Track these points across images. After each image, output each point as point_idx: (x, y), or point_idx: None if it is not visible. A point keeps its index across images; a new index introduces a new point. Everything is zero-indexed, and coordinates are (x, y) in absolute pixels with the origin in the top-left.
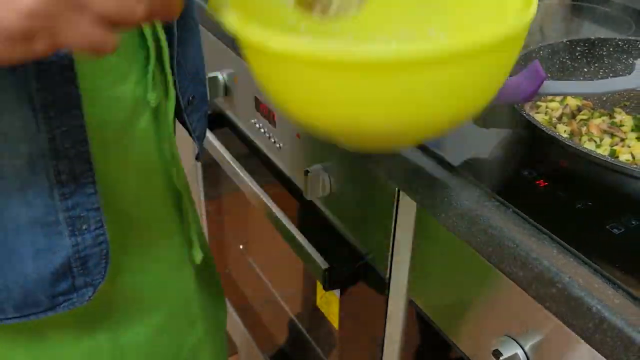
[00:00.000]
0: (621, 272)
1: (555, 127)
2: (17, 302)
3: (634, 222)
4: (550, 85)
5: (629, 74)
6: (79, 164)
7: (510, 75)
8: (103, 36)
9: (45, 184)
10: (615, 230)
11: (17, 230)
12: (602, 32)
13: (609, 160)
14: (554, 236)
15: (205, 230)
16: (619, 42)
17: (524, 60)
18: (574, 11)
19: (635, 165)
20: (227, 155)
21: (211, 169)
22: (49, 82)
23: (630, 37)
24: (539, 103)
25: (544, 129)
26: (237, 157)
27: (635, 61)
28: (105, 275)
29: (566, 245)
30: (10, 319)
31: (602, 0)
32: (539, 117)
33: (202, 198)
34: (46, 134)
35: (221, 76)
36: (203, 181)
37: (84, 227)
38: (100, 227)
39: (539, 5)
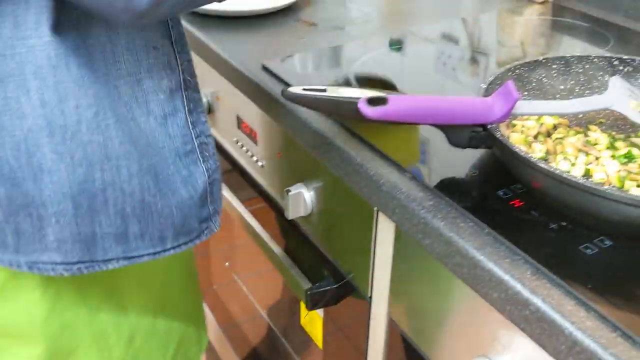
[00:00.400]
0: (594, 294)
1: (530, 146)
2: (177, 229)
3: (607, 243)
4: (523, 105)
5: (605, 90)
6: (195, 93)
7: (485, 96)
8: None
9: (182, 115)
10: (588, 251)
11: (166, 161)
12: (581, 47)
13: (579, 182)
14: (528, 257)
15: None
16: (594, 59)
17: (500, 79)
18: (554, 27)
19: (606, 187)
20: None
21: None
22: (174, 19)
23: (605, 54)
24: (515, 122)
25: (517, 150)
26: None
27: (609, 79)
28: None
29: (540, 266)
30: (168, 250)
31: (581, 15)
32: (515, 136)
33: None
34: (179, 67)
35: (204, 95)
36: None
37: (207, 154)
38: (214, 154)
39: (518, 20)
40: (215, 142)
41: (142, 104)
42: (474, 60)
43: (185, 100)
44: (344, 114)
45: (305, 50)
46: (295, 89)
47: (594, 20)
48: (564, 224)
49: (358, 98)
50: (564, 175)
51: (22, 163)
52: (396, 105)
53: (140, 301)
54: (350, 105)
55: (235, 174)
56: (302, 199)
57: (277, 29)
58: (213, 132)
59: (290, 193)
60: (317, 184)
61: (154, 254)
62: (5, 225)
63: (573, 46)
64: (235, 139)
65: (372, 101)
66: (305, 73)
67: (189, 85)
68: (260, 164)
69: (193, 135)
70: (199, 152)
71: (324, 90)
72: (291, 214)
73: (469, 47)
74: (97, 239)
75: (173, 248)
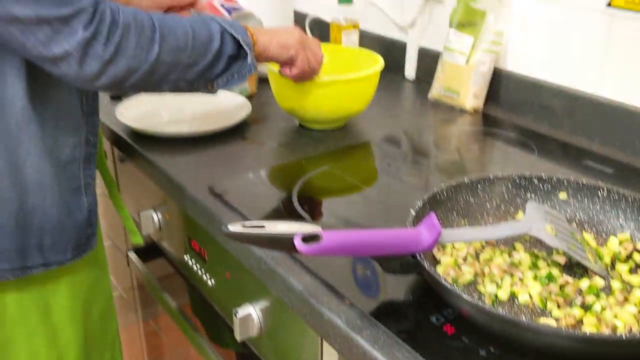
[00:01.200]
0: None
1: (460, 268)
2: (73, 243)
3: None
4: (447, 234)
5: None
6: (92, 148)
7: (413, 226)
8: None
9: (78, 164)
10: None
11: (66, 194)
12: (510, 155)
13: (499, 313)
14: None
15: (144, 351)
16: (515, 179)
17: (430, 203)
18: (485, 134)
19: (524, 318)
20: (159, 284)
21: (145, 292)
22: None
23: (525, 174)
24: (445, 246)
25: (442, 281)
26: (172, 288)
27: (527, 203)
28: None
29: None
30: (69, 259)
31: (509, 124)
32: (445, 259)
33: (140, 319)
34: (86, 127)
35: (155, 214)
36: (140, 303)
37: (89, 191)
38: (95, 191)
39: (450, 133)
40: (168, 256)
41: (55, 154)
42: (415, 162)
43: (82, 153)
44: (281, 248)
45: (251, 170)
46: (235, 227)
47: (520, 129)
48: (492, 350)
49: (294, 234)
50: (486, 307)
51: None
52: (329, 241)
53: (69, 328)
54: (287, 242)
55: (185, 287)
56: (251, 320)
57: (225, 149)
58: (164, 246)
59: (238, 314)
60: (266, 305)
61: (62, 261)
62: None
63: (503, 155)
64: (185, 256)
65: (307, 238)
66: (250, 197)
67: (89, 142)
68: (209, 282)
69: (81, 177)
70: (84, 189)
71: (263, 227)
72: (240, 335)
73: (410, 150)
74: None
75: (73, 257)
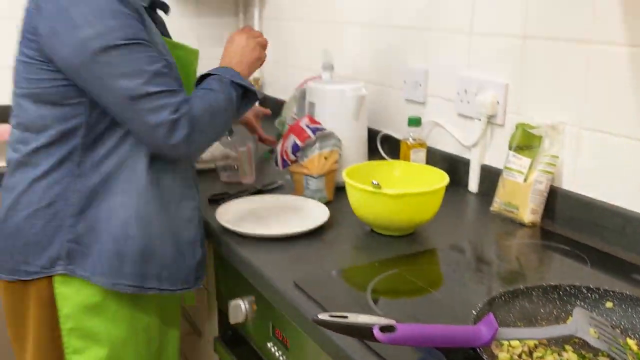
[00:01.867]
0: None
1: None
2: (186, 278)
3: None
4: (503, 332)
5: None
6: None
7: (474, 324)
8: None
9: (197, 221)
10: None
11: (189, 242)
12: (565, 266)
13: None
14: None
15: None
16: (567, 288)
17: (489, 305)
18: (542, 247)
19: None
20: None
21: None
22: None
23: (575, 284)
24: (502, 342)
25: None
26: None
27: (574, 310)
28: None
29: None
30: (180, 289)
31: (564, 238)
32: (502, 355)
33: None
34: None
35: (243, 303)
36: None
37: (202, 244)
38: (204, 244)
39: (510, 244)
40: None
41: (177, 213)
42: (477, 269)
43: (198, 215)
44: (361, 336)
45: (330, 268)
46: (324, 316)
47: (574, 243)
48: None
49: (374, 324)
50: None
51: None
52: (403, 332)
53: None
54: (367, 331)
55: None
56: None
57: (306, 249)
58: (248, 337)
59: None
60: None
61: (173, 291)
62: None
63: (557, 266)
64: (268, 344)
65: (384, 329)
66: (329, 292)
67: (199, 208)
68: None
69: (199, 234)
70: (200, 243)
71: (346, 317)
72: None
73: (473, 258)
74: (147, 276)
75: (181, 289)
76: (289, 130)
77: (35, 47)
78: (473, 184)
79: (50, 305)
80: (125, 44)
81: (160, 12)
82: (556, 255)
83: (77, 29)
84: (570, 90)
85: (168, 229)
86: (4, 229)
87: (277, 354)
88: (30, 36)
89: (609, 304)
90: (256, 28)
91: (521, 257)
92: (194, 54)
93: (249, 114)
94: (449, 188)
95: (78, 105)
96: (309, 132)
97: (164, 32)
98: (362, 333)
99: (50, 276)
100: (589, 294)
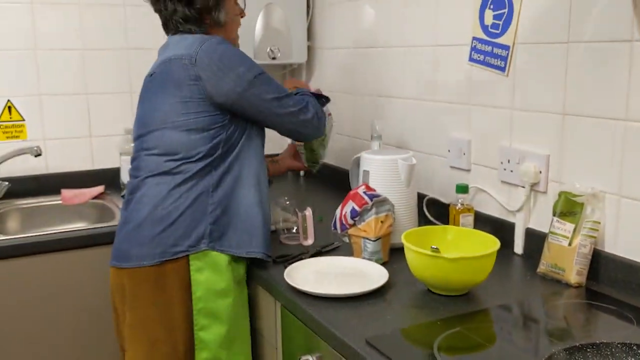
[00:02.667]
0: None
1: None
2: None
3: None
4: None
5: None
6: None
7: None
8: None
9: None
10: None
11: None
12: (611, 325)
13: None
14: None
15: None
16: (618, 345)
17: None
18: (589, 307)
19: None
20: None
21: None
22: None
23: (627, 342)
24: None
25: None
26: None
27: None
28: None
29: None
30: (263, 253)
31: (610, 298)
32: None
33: None
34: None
35: (311, 357)
36: None
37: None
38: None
39: (557, 303)
40: None
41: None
42: (526, 327)
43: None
44: None
45: (393, 326)
46: None
47: (620, 303)
48: None
49: None
50: None
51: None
52: None
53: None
54: None
55: None
56: None
57: (370, 307)
58: None
59: None
60: None
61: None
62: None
63: (604, 324)
64: None
65: None
66: (398, 350)
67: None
68: None
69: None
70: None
71: None
72: None
73: (522, 316)
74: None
75: (263, 253)
76: (347, 197)
77: (196, 90)
78: (519, 246)
79: (187, 289)
80: (263, 72)
81: None
82: (603, 314)
83: (233, 69)
84: (608, 161)
85: (266, 211)
86: (153, 224)
87: None
88: (191, 82)
89: None
90: None
91: (569, 315)
92: None
93: (287, 158)
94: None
95: (220, 128)
96: (366, 199)
97: None
98: None
99: (189, 261)
100: (638, 349)
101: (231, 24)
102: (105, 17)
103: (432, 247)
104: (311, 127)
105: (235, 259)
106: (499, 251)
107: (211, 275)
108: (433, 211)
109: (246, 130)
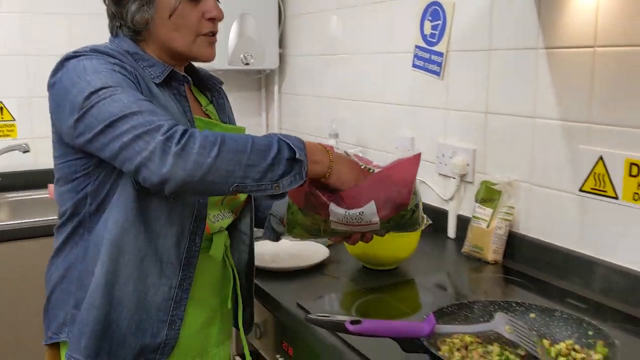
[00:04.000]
0: None
1: (452, 353)
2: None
3: None
4: (440, 327)
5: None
6: (186, 295)
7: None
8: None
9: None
10: None
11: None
12: (511, 292)
13: None
14: None
15: None
16: (501, 302)
17: (439, 313)
18: (503, 280)
19: None
20: None
21: None
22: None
23: (508, 300)
24: (446, 339)
25: (436, 353)
26: None
27: (495, 313)
28: None
29: None
30: None
31: (520, 273)
32: (444, 347)
33: None
34: (180, 275)
35: (257, 327)
36: None
37: (174, 327)
38: (177, 330)
39: (474, 276)
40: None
41: (146, 288)
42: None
43: (174, 296)
44: (339, 329)
45: (328, 293)
46: (312, 316)
47: (527, 277)
48: None
49: (345, 320)
50: None
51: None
52: (367, 326)
53: None
54: (341, 325)
55: None
56: None
57: (308, 280)
58: (258, 345)
59: None
60: None
61: None
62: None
63: (507, 291)
64: (277, 356)
65: (353, 322)
66: (323, 309)
67: (182, 288)
68: None
69: (169, 315)
70: (167, 325)
71: (328, 316)
72: None
73: (436, 286)
74: (100, 353)
75: None
76: None
77: (53, 126)
78: (451, 231)
79: None
80: (105, 87)
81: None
82: (509, 285)
83: (67, 94)
84: (521, 153)
85: (129, 303)
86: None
87: None
88: (50, 115)
89: (532, 315)
90: (275, 101)
91: (479, 285)
92: (241, 131)
93: None
94: (431, 233)
95: (85, 176)
96: None
97: (221, 115)
98: (339, 327)
99: (60, 351)
100: (517, 307)
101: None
102: (92, 26)
103: None
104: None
105: None
106: (435, 235)
107: None
108: None
109: (119, 180)
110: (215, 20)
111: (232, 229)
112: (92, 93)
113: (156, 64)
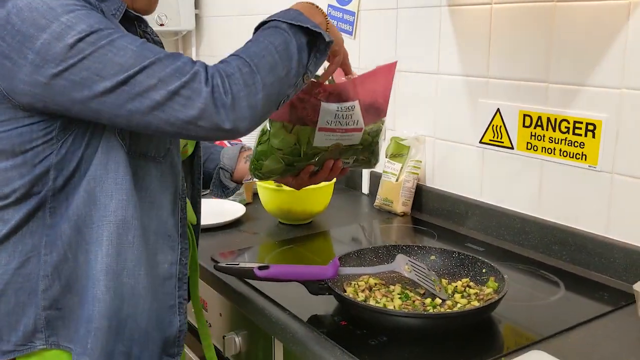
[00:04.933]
0: None
1: (357, 294)
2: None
3: (384, 338)
4: (343, 269)
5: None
6: (185, 269)
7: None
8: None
9: (174, 281)
10: (372, 342)
11: (162, 309)
12: (417, 240)
13: (367, 304)
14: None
15: None
16: (403, 247)
17: (344, 257)
18: (412, 230)
19: (383, 307)
20: None
21: None
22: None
23: (409, 244)
24: (352, 282)
25: (341, 293)
26: None
27: (397, 255)
28: None
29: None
30: None
31: (428, 223)
32: (349, 289)
33: None
34: (179, 250)
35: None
36: None
37: (182, 310)
38: (186, 313)
39: (384, 227)
40: None
41: (157, 269)
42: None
43: (177, 273)
44: (248, 276)
45: (245, 246)
46: (222, 264)
47: (433, 225)
48: (365, 331)
49: (253, 267)
50: (360, 303)
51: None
52: (274, 270)
53: None
54: (249, 271)
55: None
56: (233, 342)
57: (224, 236)
58: None
59: (225, 337)
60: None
61: None
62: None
63: (411, 238)
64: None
65: (261, 268)
66: (238, 260)
67: (182, 262)
68: (208, 322)
69: (176, 296)
70: (177, 308)
71: (238, 264)
72: (227, 353)
73: (348, 236)
74: (114, 355)
75: None
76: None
77: None
78: (365, 187)
79: None
80: (97, 30)
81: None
82: (417, 234)
83: (28, 41)
84: (428, 109)
85: (141, 290)
86: None
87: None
88: None
89: (432, 257)
90: None
91: (389, 235)
92: None
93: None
94: (347, 190)
95: (44, 146)
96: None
97: None
98: (248, 274)
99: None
100: (419, 251)
101: None
102: None
103: (275, 182)
104: (216, 121)
105: None
106: (350, 192)
107: None
108: None
109: (99, 143)
110: None
111: None
112: (80, 40)
113: None
